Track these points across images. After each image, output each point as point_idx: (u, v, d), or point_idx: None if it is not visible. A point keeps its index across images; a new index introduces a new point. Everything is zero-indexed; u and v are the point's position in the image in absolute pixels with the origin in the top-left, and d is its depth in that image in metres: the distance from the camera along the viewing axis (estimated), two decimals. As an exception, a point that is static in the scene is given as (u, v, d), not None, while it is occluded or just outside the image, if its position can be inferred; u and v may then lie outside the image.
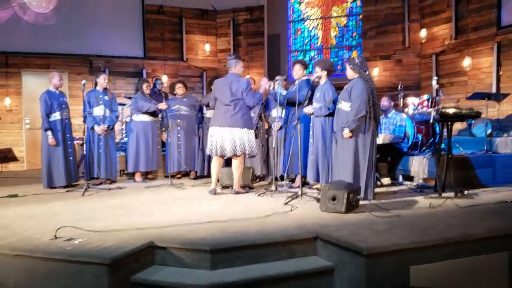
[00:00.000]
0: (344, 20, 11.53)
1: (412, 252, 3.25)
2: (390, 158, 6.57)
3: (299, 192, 5.10)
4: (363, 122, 4.85)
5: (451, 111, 5.19)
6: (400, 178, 6.60)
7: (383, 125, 6.90)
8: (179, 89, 7.28)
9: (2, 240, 3.47)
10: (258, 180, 6.72)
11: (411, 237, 3.39)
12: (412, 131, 6.86)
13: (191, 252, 3.32)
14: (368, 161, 4.88)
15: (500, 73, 8.46)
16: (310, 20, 11.82)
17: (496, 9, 8.59)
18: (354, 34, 11.41)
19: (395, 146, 6.60)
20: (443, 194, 5.05)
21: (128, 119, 7.49)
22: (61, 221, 4.00)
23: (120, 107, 7.94)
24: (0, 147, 9.26)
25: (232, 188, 5.70)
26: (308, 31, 11.86)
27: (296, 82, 5.97)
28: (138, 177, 7.03)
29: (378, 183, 6.16)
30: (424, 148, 6.83)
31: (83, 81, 6.29)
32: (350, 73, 5.09)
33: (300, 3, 11.89)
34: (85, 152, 6.64)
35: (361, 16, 11.04)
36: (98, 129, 6.63)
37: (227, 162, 6.20)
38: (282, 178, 6.05)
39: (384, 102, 6.96)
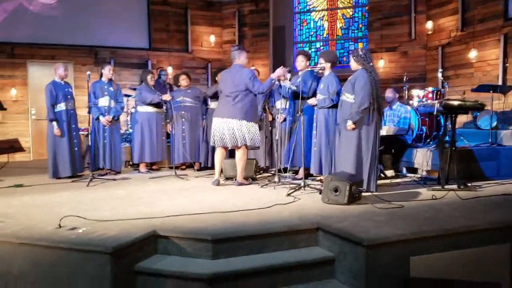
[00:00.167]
0: (350, 12, 11.47)
1: (412, 243, 3.27)
2: (394, 150, 6.57)
3: (302, 184, 5.12)
4: (367, 114, 4.85)
5: (454, 103, 5.18)
6: (404, 170, 6.60)
7: (388, 117, 6.88)
8: (183, 81, 7.31)
9: (7, 228, 3.52)
10: (261, 172, 6.74)
11: (412, 228, 3.41)
12: (417, 123, 6.85)
13: (193, 242, 3.35)
14: (371, 153, 4.88)
15: (507, 65, 8.39)
16: (316, 11, 11.76)
17: (502, 1, 8.50)
18: (360, 25, 11.35)
19: (399, 138, 6.59)
20: (446, 186, 5.06)
21: (133, 110, 7.52)
22: (66, 211, 4.04)
23: (125, 98, 7.98)
24: (6, 137, 9.32)
25: (235, 179, 5.72)
26: (314, 22, 11.80)
27: (300, 73, 5.97)
28: (142, 168, 7.08)
29: (382, 175, 6.17)
30: (428, 140, 6.81)
31: (88, 72, 6.31)
32: (353, 64, 5.08)
33: (305, -6, 11.84)
34: (90, 143, 6.69)
35: (367, 8, 10.97)
36: (103, 120, 6.67)
37: (231, 154, 6.22)
38: (285, 170, 6.07)
39: (389, 94, 6.95)
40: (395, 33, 10.42)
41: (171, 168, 6.88)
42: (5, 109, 7.74)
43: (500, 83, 8.32)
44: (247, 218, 3.82)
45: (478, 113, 7.39)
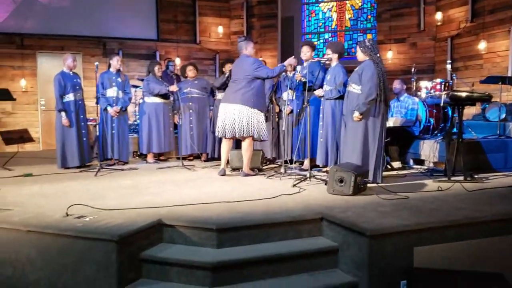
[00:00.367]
0: (359, 3, 11.39)
1: (416, 234, 3.28)
2: (401, 141, 6.55)
3: (308, 175, 5.13)
4: (373, 105, 4.84)
5: (461, 94, 5.15)
6: (411, 162, 6.59)
7: (395, 108, 6.85)
8: (190, 72, 7.32)
9: (16, 216, 3.58)
10: (268, 163, 6.76)
11: (416, 219, 3.42)
12: (424, 114, 6.81)
13: (198, 231, 3.39)
14: (377, 144, 4.88)
15: (516, 56, 8.32)
16: (325, 2, 11.69)
17: (513, -8, 8.41)
18: (369, 16, 11.27)
19: (407, 129, 6.56)
20: (453, 178, 5.04)
21: (141, 101, 7.56)
22: (73, 200, 4.09)
23: (133, 89, 8.01)
24: (16, 128, 9.43)
25: (241, 170, 5.75)
26: (322, 13, 11.74)
27: (305, 64, 5.95)
28: (150, 158, 7.12)
29: (389, 166, 6.16)
30: (435, 132, 6.78)
31: (96, 63, 6.35)
32: (360, 55, 5.06)
33: (314, -15, 11.77)
34: (98, 133, 6.74)
35: (376, -2, 10.91)
36: (111, 110, 6.72)
37: (238, 145, 6.24)
38: (292, 161, 6.08)
39: (396, 85, 6.91)
40: (404, 24, 10.33)
41: (178, 159, 6.92)
42: (15, 99, 7.81)
43: (509, 74, 8.24)
44: (252, 208, 3.85)
45: (487, 105, 7.34)
